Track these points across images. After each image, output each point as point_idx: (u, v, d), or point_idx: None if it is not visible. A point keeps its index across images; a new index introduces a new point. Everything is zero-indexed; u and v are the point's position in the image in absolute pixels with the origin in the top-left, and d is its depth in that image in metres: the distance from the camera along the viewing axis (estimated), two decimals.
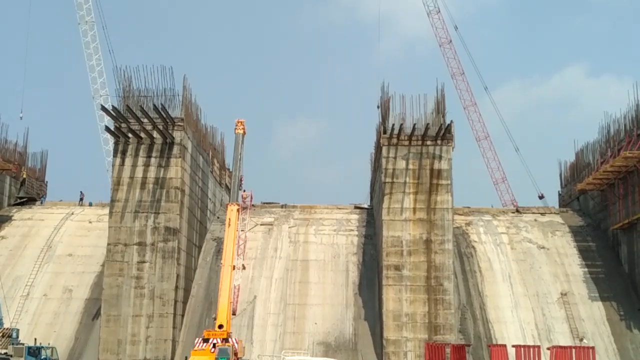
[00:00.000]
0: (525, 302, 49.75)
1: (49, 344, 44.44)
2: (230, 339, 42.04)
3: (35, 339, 43.80)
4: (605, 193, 54.94)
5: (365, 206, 60.77)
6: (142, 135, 47.90)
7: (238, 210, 48.19)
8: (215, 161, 60.51)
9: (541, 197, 71.09)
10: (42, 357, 42.47)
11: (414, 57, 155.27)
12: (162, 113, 46.81)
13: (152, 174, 47.83)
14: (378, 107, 51.86)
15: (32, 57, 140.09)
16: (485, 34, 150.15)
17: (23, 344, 42.57)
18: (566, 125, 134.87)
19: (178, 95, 48.86)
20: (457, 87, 73.62)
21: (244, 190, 51.83)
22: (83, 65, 71.39)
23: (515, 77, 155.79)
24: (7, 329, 42.80)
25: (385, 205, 47.57)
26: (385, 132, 48.62)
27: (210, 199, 57.93)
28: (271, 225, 56.62)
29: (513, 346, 40.99)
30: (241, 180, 51.39)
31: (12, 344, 41.98)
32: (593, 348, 40.23)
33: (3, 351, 41.41)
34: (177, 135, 48.20)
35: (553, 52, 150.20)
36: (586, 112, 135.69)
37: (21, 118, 70.45)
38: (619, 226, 51.39)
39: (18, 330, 44.01)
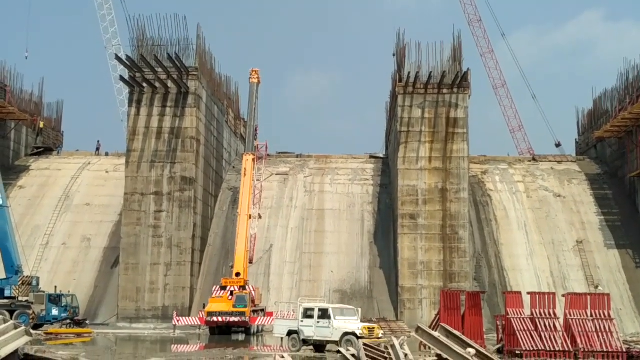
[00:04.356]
0: (541, 250, 49.83)
1: (69, 291, 45.14)
2: (247, 287, 42.56)
3: (56, 287, 44.44)
4: (623, 141, 54.38)
5: (381, 155, 60.61)
6: (157, 84, 47.76)
7: (253, 159, 48.25)
8: (230, 111, 60.35)
9: (558, 145, 70.46)
10: (63, 305, 43.16)
11: (429, 4, 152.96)
12: (177, 62, 46.55)
13: (167, 123, 47.84)
14: (394, 55, 51.33)
15: (42, 8, 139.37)
16: None
17: (44, 292, 43.30)
18: (584, 72, 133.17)
19: (192, 44, 48.51)
20: (474, 34, 72.50)
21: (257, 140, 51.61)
22: (94, 15, 71.07)
23: (531, 24, 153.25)
24: (28, 277, 43.21)
25: (400, 154, 47.42)
26: (401, 81, 48.18)
27: (225, 149, 57.96)
28: (287, 175, 56.68)
29: (528, 293, 40.98)
30: (256, 130, 51.23)
31: (33, 291, 42.61)
32: (608, 295, 40.15)
33: (24, 299, 42.09)
34: (192, 84, 48.01)
35: None
36: (605, 58, 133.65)
37: (26, 58, 70.47)
38: (636, 174, 50.97)
39: (38, 278, 44.65)
